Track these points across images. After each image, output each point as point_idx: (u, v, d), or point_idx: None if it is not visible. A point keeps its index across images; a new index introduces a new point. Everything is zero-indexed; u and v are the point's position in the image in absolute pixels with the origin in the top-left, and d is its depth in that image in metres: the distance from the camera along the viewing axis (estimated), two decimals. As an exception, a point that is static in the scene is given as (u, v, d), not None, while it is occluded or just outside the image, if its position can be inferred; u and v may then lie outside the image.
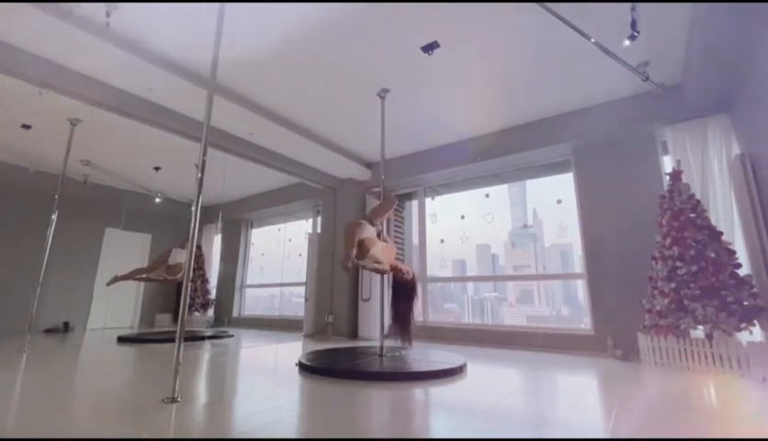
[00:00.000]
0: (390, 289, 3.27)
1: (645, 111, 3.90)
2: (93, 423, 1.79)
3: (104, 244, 6.92)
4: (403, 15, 2.91)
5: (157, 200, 7.03)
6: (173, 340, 2.18)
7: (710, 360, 2.85)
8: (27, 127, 4.53)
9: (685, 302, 2.93)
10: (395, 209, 5.83)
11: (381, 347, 3.41)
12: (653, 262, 3.29)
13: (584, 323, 4.22)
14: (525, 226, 5.21)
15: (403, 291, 3.13)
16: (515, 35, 3.13)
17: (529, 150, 4.61)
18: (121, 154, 5.46)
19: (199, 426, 1.74)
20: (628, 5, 2.74)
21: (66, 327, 6.21)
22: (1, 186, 5.77)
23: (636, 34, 2.81)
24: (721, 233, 3.04)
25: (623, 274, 3.79)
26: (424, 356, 3.45)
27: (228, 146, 4.74)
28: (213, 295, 7.58)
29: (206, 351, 4.13)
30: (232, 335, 5.63)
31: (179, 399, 2.02)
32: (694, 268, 2.94)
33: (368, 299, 5.39)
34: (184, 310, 2.18)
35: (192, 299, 7.02)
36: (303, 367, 2.96)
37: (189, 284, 2.23)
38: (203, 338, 5.12)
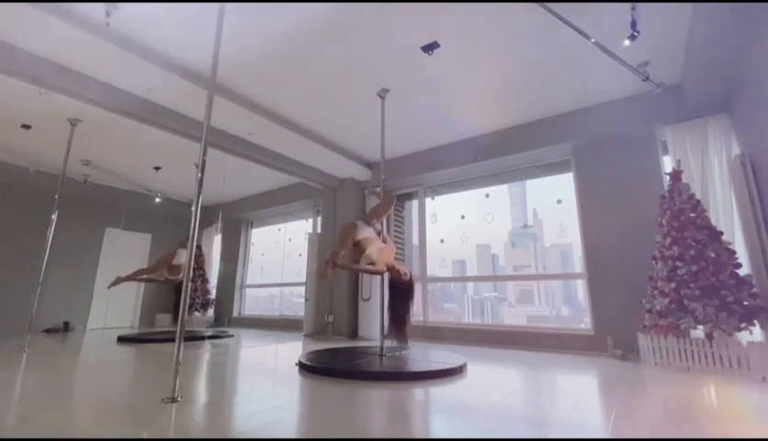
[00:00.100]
0: (388, 290, 3.27)
1: (645, 111, 3.90)
2: (93, 423, 1.79)
3: (104, 244, 6.92)
4: (403, 15, 2.90)
5: (157, 200, 7.03)
6: (173, 340, 2.18)
7: (710, 360, 2.85)
8: (27, 127, 4.53)
9: (685, 302, 2.93)
10: (395, 209, 5.86)
11: (381, 347, 3.41)
12: (653, 262, 3.29)
13: (584, 323, 4.22)
14: (525, 226, 5.21)
15: (401, 292, 3.13)
16: (515, 35, 3.13)
17: (529, 150, 4.61)
18: (121, 154, 5.46)
19: (199, 426, 1.74)
20: (628, 5, 2.74)
21: (66, 327, 6.21)
22: (1, 186, 5.77)
23: (636, 34, 2.81)
24: (721, 233, 3.04)
25: (623, 274, 3.79)
26: (424, 355, 3.45)
27: (228, 146, 4.74)
28: (213, 295, 7.57)
29: (206, 351, 4.13)
30: (232, 335, 5.63)
31: (179, 399, 2.02)
32: (694, 268, 2.94)
33: (368, 299, 5.39)
34: (184, 310, 2.18)
35: (192, 299, 7.02)
36: (303, 367, 2.96)
37: (189, 284, 2.23)
38: (203, 338, 5.12)
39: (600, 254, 4.02)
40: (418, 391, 2.40)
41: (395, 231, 5.78)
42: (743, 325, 2.73)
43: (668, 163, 3.80)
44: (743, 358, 2.71)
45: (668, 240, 3.17)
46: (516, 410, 2.06)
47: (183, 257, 5.22)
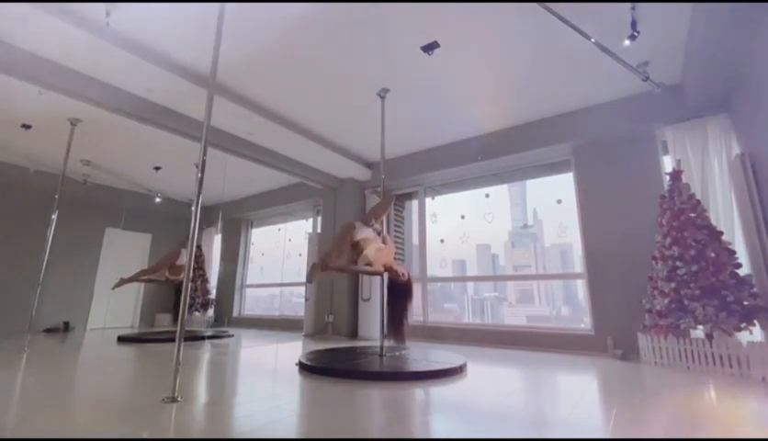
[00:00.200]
0: (386, 290, 3.27)
1: (645, 111, 3.90)
2: (93, 423, 1.79)
3: (104, 244, 6.92)
4: (403, 15, 2.90)
5: (157, 200, 7.03)
6: (173, 340, 2.18)
7: (710, 360, 2.85)
8: (27, 127, 4.53)
9: (685, 302, 2.93)
10: (395, 209, 5.86)
11: (381, 347, 3.41)
12: (653, 262, 3.29)
13: (584, 323, 4.22)
14: (525, 226, 5.21)
15: (399, 293, 3.14)
16: (515, 35, 3.13)
17: (529, 150, 4.61)
18: (121, 154, 5.46)
19: (199, 426, 1.74)
20: (628, 5, 2.74)
21: (66, 327, 6.21)
22: (1, 186, 5.77)
23: (636, 34, 2.82)
24: (721, 233, 3.04)
25: (623, 273, 3.79)
26: (424, 355, 3.45)
27: (228, 146, 4.74)
28: (213, 295, 7.57)
29: (206, 351, 4.13)
30: (232, 335, 5.62)
31: (179, 399, 2.02)
32: (694, 268, 2.94)
33: (368, 299, 5.39)
34: (184, 310, 2.18)
35: (192, 298, 7.02)
36: (303, 367, 2.96)
37: (189, 284, 2.23)
38: (203, 338, 5.12)
39: (600, 254, 4.02)
40: (418, 391, 2.40)
41: (395, 230, 5.78)
42: (743, 325, 2.73)
43: (668, 163, 3.80)
44: (743, 358, 2.71)
45: (668, 240, 3.18)
46: (516, 410, 2.06)
47: (185, 257, 5.22)
